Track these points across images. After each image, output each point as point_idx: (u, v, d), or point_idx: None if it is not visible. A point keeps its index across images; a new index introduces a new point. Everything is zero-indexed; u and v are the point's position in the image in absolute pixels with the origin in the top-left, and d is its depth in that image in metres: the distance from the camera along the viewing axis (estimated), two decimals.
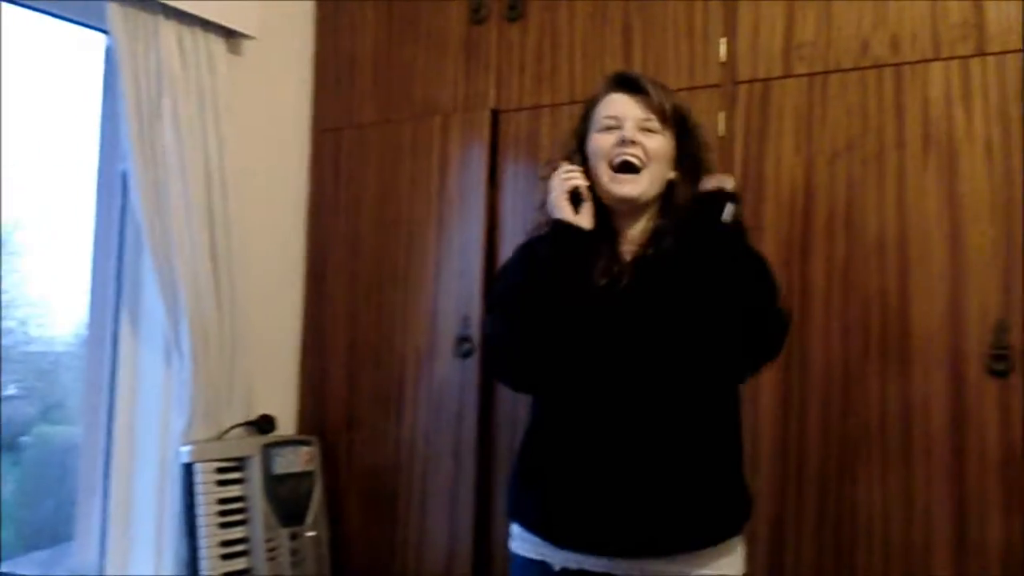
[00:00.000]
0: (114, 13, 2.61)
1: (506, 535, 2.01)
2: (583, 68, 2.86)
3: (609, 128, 1.91)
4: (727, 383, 1.91)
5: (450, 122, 3.07)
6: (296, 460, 3.00)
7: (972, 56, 2.36)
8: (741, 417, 1.95)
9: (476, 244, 2.96)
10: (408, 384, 3.07)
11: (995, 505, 2.27)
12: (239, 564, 2.80)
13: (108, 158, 2.85)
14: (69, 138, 2.83)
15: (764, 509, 2.45)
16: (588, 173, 1.92)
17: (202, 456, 2.76)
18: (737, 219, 1.79)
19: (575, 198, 1.90)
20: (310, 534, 2.97)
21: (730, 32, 2.65)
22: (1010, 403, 2.26)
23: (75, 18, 2.77)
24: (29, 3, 2.62)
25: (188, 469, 2.74)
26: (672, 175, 1.93)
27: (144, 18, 2.69)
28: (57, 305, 2.90)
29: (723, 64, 2.65)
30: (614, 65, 2.73)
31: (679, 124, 1.94)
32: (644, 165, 1.88)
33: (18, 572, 2.70)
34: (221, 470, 2.80)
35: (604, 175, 1.89)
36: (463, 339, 2.95)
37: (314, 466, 3.07)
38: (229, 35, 2.96)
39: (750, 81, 2.62)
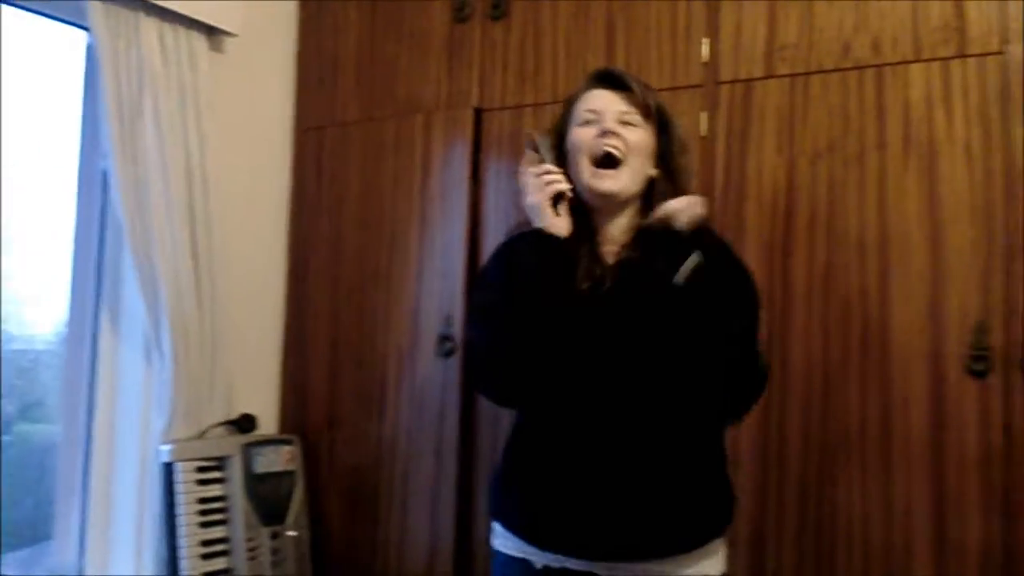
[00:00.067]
0: (95, 10, 2.60)
1: (488, 533, 2.01)
2: (566, 67, 2.85)
3: (589, 122, 1.89)
4: (705, 408, 1.88)
5: (433, 120, 3.06)
6: (277, 459, 3.00)
7: (953, 58, 2.37)
8: None
9: (459, 243, 2.96)
10: (390, 383, 3.07)
11: (974, 506, 2.28)
12: (219, 564, 2.79)
13: (89, 156, 2.84)
14: (49, 136, 2.82)
15: (745, 510, 2.45)
16: (566, 172, 1.90)
17: (182, 455, 2.75)
18: (698, 271, 1.75)
19: (556, 202, 1.87)
20: (291, 533, 2.96)
21: (712, 33, 2.65)
22: (989, 404, 2.27)
23: (56, 15, 2.75)
24: (8, 0, 2.60)
25: (168, 468, 2.73)
26: (653, 172, 1.91)
27: (125, 15, 2.67)
28: (37, 303, 2.88)
29: (705, 64, 2.66)
30: (597, 64, 2.71)
31: (660, 122, 1.93)
32: (624, 157, 1.86)
33: None
34: (201, 469, 2.79)
35: (585, 171, 1.88)
36: (445, 338, 2.95)
37: (295, 465, 3.06)
38: (211, 33, 2.95)
39: (732, 82, 2.62)
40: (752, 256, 2.51)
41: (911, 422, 2.35)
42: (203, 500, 2.78)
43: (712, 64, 2.65)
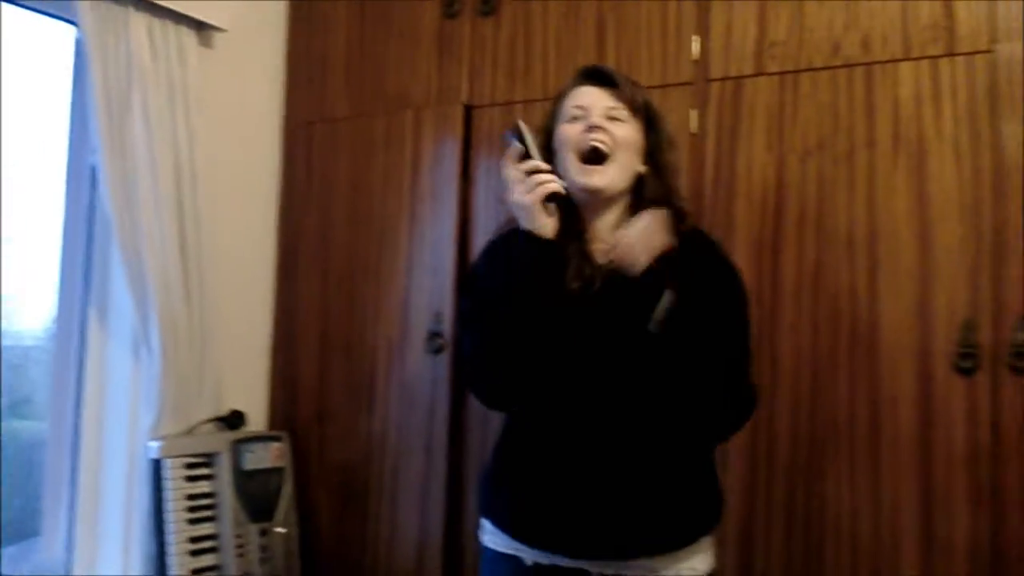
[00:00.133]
0: (83, 5, 2.59)
1: (477, 530, 2.01)
2: (556, 64, 2.85)
3: (576, 118, 1.87)
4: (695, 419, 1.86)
5: (423, 117, 3.06)
6: (266, 456, 2.99)
7: (942, 56, 2.38)
8: None
9: (448, 239, 2.96)
10: (379, 379, 3.07)
11: (962, 502, 2.29)
12: (208, 560, 2.78)
13: (77, 151, 2.83)
14: (38, 131, 2.80)
15: (734, 506, 2.45)
16: (554, 168, 1.85)
17: (171, 452, 2.74)
18: (669, 313, 1.72)
19: (547, 201, 1.81)
20: (280, 530, 2.96)
21: (703, 30, 2.66)
22: (977, 401, 2.28)
23: (44, 9, 2.74)
24: None
25: (157, 465, 2.72)
26: (642, 168, 1.89)
27: (114, 10, 2.66)
28: (26, 299, 2.87)
29: (696, 62, 2.66)
30: (588, 61, 2.71)
31: (648, 118, 1.91)
32: (611, 152, 1.84)
33: None
34: (190, 466, 2.78)
35: (572, 167, 1.84)
36: (435, 334, 2.95)
37: (284, 462, 3.06)
38: (200, 28, 2.94)
39: (722, 79, 2.62)
40: (741, 253, 2.52)
41: (899, 419, 2.36)
42: (191, 496, 2.77)
43: (702, 62, 2.65)
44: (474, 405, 2.86)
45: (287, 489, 3.03)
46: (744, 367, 1.87)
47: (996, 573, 2.24)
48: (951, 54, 2.37)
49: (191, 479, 2.78)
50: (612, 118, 1.86)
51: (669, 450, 1.82)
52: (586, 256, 1.86)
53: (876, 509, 2.37)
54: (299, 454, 3.14)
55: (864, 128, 2.45)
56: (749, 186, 2.57)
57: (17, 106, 2.69)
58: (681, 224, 1.87)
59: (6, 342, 2.71)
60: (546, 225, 1.80)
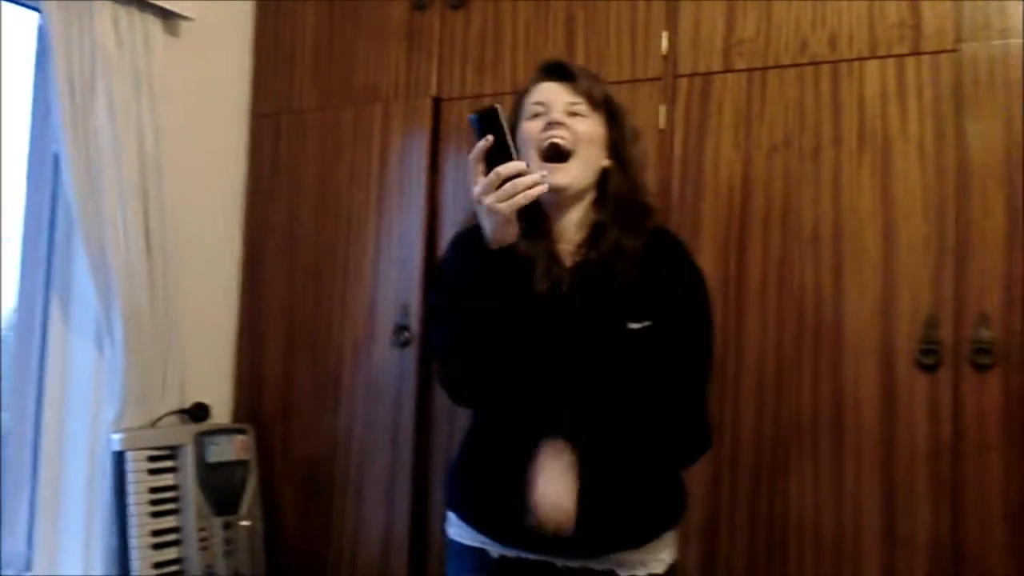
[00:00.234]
0: None
1: (443, 524, 2.00)
2: (526, 58, 2.85)
3: (537, 115, 1.85)
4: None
5: (391, 110, 3.04)
6: (230, 449, 2.97)
7: (908, 55, 2.40)
8: None
9: (416, 233, 2.95)
10: (346, 373, 3.05)
11: (923, 497, 2.31)
12: (170, 554, 2.76)
13: (40, 139, 2.79)
14: None
15: (698, 501, 2.47)
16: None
17: (134, 444, 2.72)
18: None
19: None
20: (244, 524, 2.94)
21: (672, 26, 2.66)
22: (939, 397, 2.31)
23: None
24: None
25: (119, 457, 2.70)
26: (606, 163, 1.88)
27: None
28: None
29: (664, 58, 2.67)
30: (557, 56, 2.72)
31: (609, 112, 1.89)
32: (572, 148, 1.81)
33: None
34: (153, 459, 2.76)
35: (534, 165, 1.79)
36: (402, 328, 2.94)
37: (249, 455, 3.04)
38: (166, 16, 2.91)
39: (691, 75, 2.63)
40: (707, 249, 2.53)
41: (862, 415, 2.38)
42: (154, 490, 2.75)
43: (671, 57, 2.66)
44: (441, 399, 2.86)
45: (251, 482, 3.01)
46: (702, 388, 1.85)
47: (957, 568, 2.27)
48: (917, 53, 2.39)
49: (154, 472, 2.76)
50: (573, 113, 1.84)
51: (633, 448, 1.82)
52: (554, 257, 1.85)
53: (838, 504, 2.39)
54: (264, 447, 3.13)
55: (830, 126, 2.47)
56: (716, 182, 2.58)
57: None
58: (647, 221, 1.87)
59: None
60: (513, 233, 1.71)
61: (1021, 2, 2.29)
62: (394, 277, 2.98)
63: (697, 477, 2.47)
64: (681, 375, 1.80)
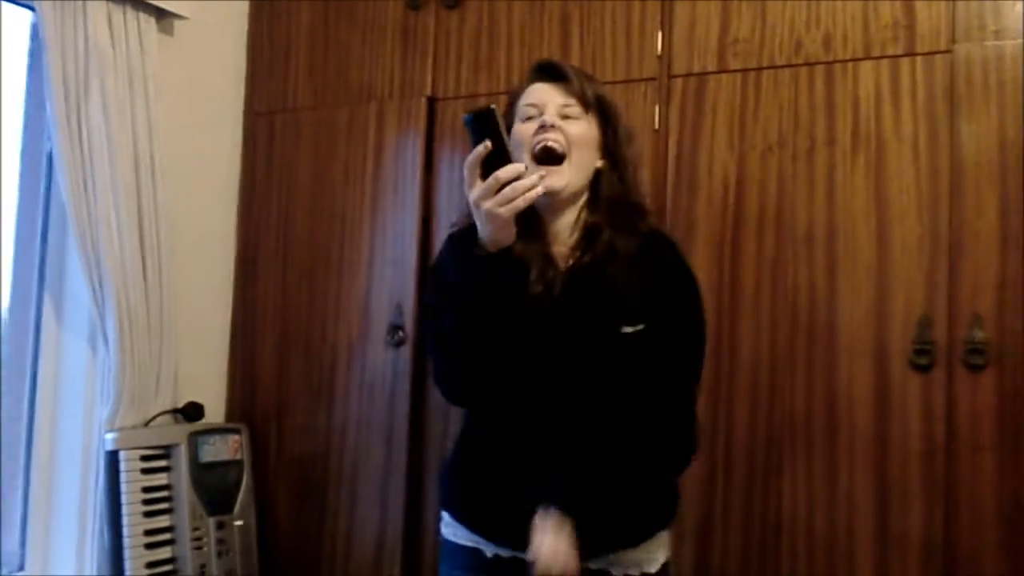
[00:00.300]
0: None
1: (437, 523, 2.00)
2: (520, 58, 2.85)
3: (530, 117, 1.83)
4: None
5: (386, 109, 3.04)
6: (224, 448, 2.97)
7: (902, 56, 2.40)
8: None
9: (410, 232, 2.95)
10: (340, 372, 3.05)
11: (916, 497, 2.32)
12: (164, 553, 2.76)
13: (34, 137, 2.79)
14: None
15: (692, 500, 2.47)
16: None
17: (127, 444, 2.71)
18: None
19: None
20: (237, 523, 2.94)
21: (666, 27, 2.66)
22: (932, 397, 2.31)
23: None
24: None
25: (113, 457, 2.69)
26: (600, 164, 1.86)
27: None
28: None
29: (659, 58, 2.67)
30: (552, 55, 2.73)
31: (602, 112, 1.87)
32: (566, 151, 1.80)
33: None
34: (146, 458, 2.75)
35: (528, 167, 1.76)
36: (396, 327, 2.93)
37: (242, 454, 3.03)
38: (161, 15, 2.90)
39: (685, 75, 2.63)
40: (701, 249, 2.53)
41: (855, 415, 2.39)
42: (148, 489, 2.75)
43: (665, 57, 2.66)
44: (435, 398, 2.86)
45: (245, 482, 3.01)
46: (689, 394, 1.84)
47: (950, 567, 2.28)
48: (911, 54, 2.39)
49: (148, 471, 2.75)
50: (566, 116, 1.82)
51: (624, 449, 1.81)
52: (549, 259, 1.83)
53: (832, 504, 2.40)
54: (257, 447, 3.12)
55: (824, 126, 2.47)
56: (710, 182, 2.58)
57: None
58: (640, 222, 1.86)
59: None
60: (511, 235, 1.71)
61: (1016, 3, 2.30)
62: (388, 276, 2.98)
63: (691, 477, 2.46)
64: (670, 380, 1.80)
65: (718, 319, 2.50)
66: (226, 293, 3.28)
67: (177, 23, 3.01)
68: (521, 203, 1.65)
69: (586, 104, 1.84)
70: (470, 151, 1.66)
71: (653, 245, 1.85)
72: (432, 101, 2.97)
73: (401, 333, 2.92)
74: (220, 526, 2.88)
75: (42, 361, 2.80)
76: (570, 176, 1.81)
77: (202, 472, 2.87)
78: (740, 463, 2.50)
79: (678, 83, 2.64)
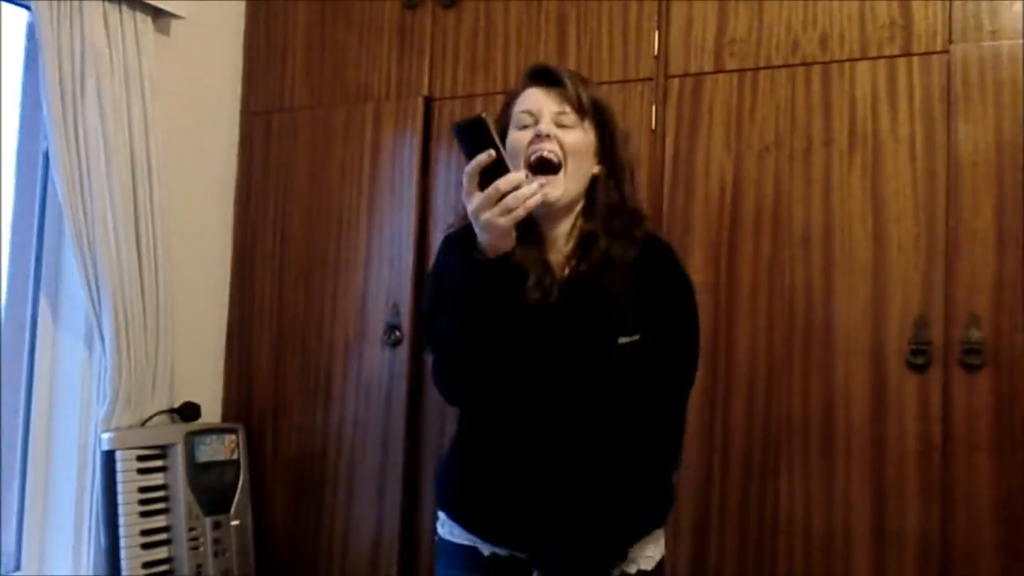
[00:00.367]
0: None
1: (433, 523, 2.00)
2: (517, 58, 2.85)
3: (526, 126, 1.82)
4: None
5: (382, 109, 3.04)
6: (220, 448, 2.97)
7: (898, 56, 2.41)
8: None
9: (407, 233, 2.94)
10: (336, 372, 3.05)
11: (913, 497, 2.32)
12: (160, 553, 2.76)
13: (29, 136, 2.78)
14: None
15: (689, 499, 2.48)
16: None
17: (123, 444, 2.71)
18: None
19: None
20: (234, 523, 2.94)
21: (663, 27, 2.67)
22: (928, 397, 2.31)
23: None
24: None
25: (109, 457, 2.69)
26: (596, 170, 1.86)
27: None
28: None
29: (656, 58, 2.67)
30: (548, 56, 2.74)
31: (598, 116, 1.86)
32: (561, 161, 1.78)
33: None
34: (143, 458, 2.75)
35: (527, 176, 1.75)
36: (393, 327, 2.93)
37: (239, 455, 3.03)
38: (157, 15, 2.90)
39: (682, 76, 2.63)
40: (698, 250, 2.54)
41: (852, 414, 2.39)
42: (144, 489, 2.75)
43: (662, 57, 2.66)
44: (431, 398, 2.86)
45: (242, 482, 3.01)
46: (681, 403, 1.85)
47: (946, 567, 2.28)
48: (907, 54, 2.40)
49: (144, 471, 2.75)
50: (561, 124, 1.81)
51: (622, 449, 1.82)
52: (547, 267, 1.83)
53: (829, 504, 2.40)
54: (254, 447, 3.12)
55: (821, 127, 2.47)
56: (707, 183, 2.58)
57: None
58: (636, 228, 1.85)
59: None
60: (511, 243, 1.71)
61: (1013, 3, 2.30)
62: (385, 276, 2.98)
63: (688, 476, 2.47)
64: (663, 389, 1.80)
65: (715, 319, 2.50)
66: (222, 293, 3.27)
67: (173, 23, 3.01)
68: (522, 212, 1.65)
69: (582, 111, 1.82)
70: (461, 158, 1.65)
71: (649, 251, 1.84)
72: (429, 101, 2.97)
73: (398, 333, 2.92)
74: (216, 526, 2.88)
75: (38, 361, 2.79)
76: (566, 185, 1.80)
77: (198, 472, 2.87)
78: (737, 463, 2.50)
79: (675, 83, 2.64)
